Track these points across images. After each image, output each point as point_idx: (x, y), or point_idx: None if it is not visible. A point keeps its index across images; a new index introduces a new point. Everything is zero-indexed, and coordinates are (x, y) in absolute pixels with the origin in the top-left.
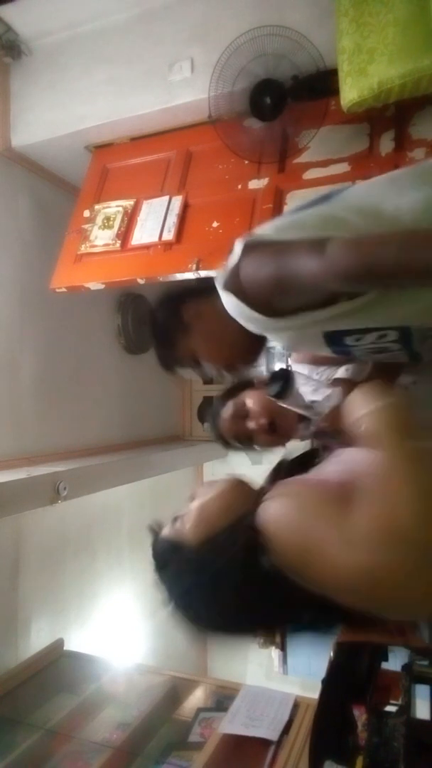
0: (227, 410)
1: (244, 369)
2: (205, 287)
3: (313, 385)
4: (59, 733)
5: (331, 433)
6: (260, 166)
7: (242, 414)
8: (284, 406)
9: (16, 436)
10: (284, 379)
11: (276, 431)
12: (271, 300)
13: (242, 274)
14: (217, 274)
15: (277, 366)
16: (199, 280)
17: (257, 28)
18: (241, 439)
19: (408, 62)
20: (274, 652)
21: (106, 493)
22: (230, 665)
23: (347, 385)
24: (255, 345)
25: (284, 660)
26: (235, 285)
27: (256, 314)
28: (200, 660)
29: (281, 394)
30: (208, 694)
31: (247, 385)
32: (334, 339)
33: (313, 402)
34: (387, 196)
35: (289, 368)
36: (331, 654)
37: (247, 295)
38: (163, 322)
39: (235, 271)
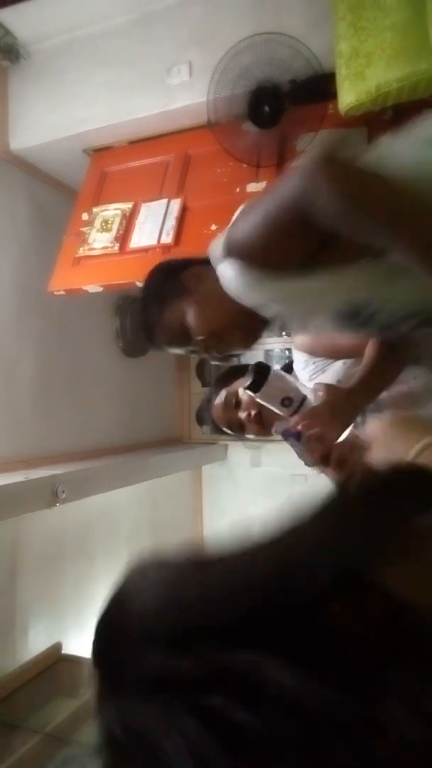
0: (220, 398)
1: (235, 351)
2: (208, 258)
3: (311, 370)
4: (57, 738)
5: (299, 436)
6: (258, 169)
7: (234, 403)
8: (258, 400)
9: (14, 439)
10: (259, 374)
11: (264, 422)
12: (269, 247)
13: (238, 230)
14: (212, 247)
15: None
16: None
17: (255, 35)
18: (233, 427)
19: (405, 66)
20: None
21: (104, 496)
22: None
23: (331, 390)
24: (252, 325)
25: None
26: (231, 244)
27: (256, 276)
28: None
29: (253, 388)
30: None
31: (240, 373)
32: (343, 315)
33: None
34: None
35: (271, 361)
36: None
37: (243, 249)
38: (158, 284)
39: (231, 231)
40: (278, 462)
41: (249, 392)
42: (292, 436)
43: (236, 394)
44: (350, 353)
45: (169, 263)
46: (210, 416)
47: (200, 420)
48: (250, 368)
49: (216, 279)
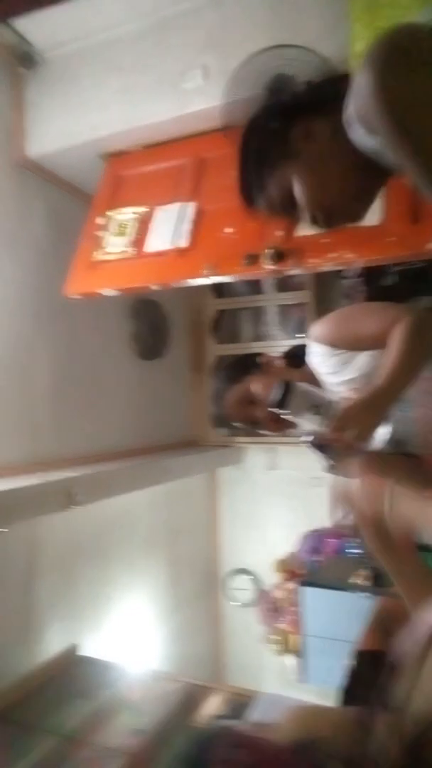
0: (233, 395)
1: (347, 221)
2: (324, 101)
3: (329, 367)
4: (74, 739)
5: (332, 447)
6: None
7: (249, 399)
8: (284, 416)
9: (31, 442)
10: (285, 390)
11: (282, 420)
12: None
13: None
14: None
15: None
16: (312, 91)
17: (271, 48)
18: (247, 423)
19: None
20: (291, 659)
21: (120, 499)
22: (246, 672)
23: (356, 395)
24: (370, 186)
25: (302, 667)
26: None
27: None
28: (216, 667)
29: (281, 405)
30: (223, 702)
31: (250, 367)
32: None
33: (322, 393)
34: None
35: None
36: (350, 662)
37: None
38: (261, 140)
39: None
40: (295, 465)
41: (277, 410)
42: (320, 448)
43: (249, 391)
44: (375, 342)
45: (277, 109)
46: (220, 410)
47: (217, 423)
48: (275, 386)
49: (334, 132)
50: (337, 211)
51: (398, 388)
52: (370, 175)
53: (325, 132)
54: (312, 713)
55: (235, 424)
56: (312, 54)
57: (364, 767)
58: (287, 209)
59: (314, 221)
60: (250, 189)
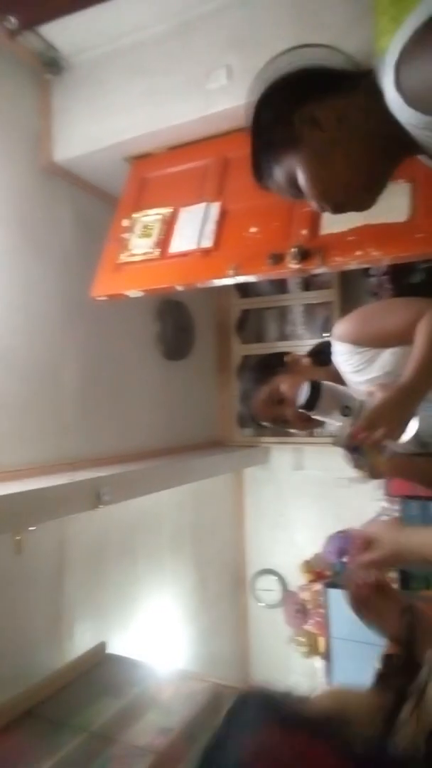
0: (261, 394)
1: (355, 210)
2: (337, 82)
3: (353, 365)
4: (102, 736)
5: (358, 448)
6: None
7: (277, 399)
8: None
9: (59, 442)
10: (313, 390)
11: (311, 419)
12: None
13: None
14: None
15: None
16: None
17: (295, 47)
18: (276, 422)
19: None
20: (319, 662)
21: (147, 498)
22: (273, 674)
23: (384, 391)
24: (380, 173)
25: (328, 670)
26: None
27: None
28: (243, 668)
29: (309, 406)
30: None
31: (276, 367)
32: None
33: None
34: None
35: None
36: (377, 665)
37: None
38: (266, 124)
39: None
40: (321, 465)
41: (306, 411)
42: (352, 450)
43: (278, 390)
44: (400, 337)
45: (281, 91)
46: (248, 410)
47: (242, 423)
48: (303, 386)
49: (343, 118)
50: (344, 202)
51: (425, 383)
52: (380, 161)
53: (331, 119)
54: (347, 692)
55: (263, 423)
56: (338, 53)
57: (385, 750)
58: (296, 195)
59: (321, 209)
60: (260, 171)
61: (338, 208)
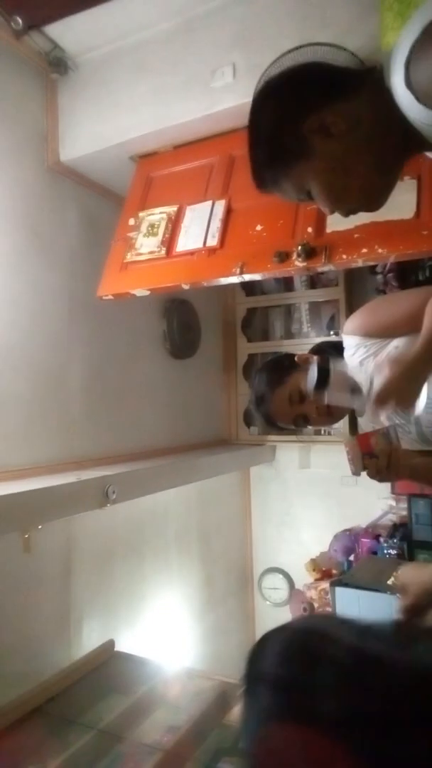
0: (281, 395)
1: (368, 211)
2: (342, 83)
3: (360, 356)
4: (111, 734)
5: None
6: None
7: (298, 398)
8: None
9: (66, 441)
10: (323, 369)
11: (333, 413)
12: None
13: None
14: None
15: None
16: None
17: (301, 46)
18: (297, 422)
19: None
20: None
21: (153, 497)
22: None
23: (393, 364)
24: (392, 173)
25: None
26: None
27: None
28: None
29: (321, 385)
30: None
31: (291, 366)
32: None
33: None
34: None
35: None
36: None
37: None
38: (273, 133)
39: None
40: (327, 463)
41: (316, 389)
42: (366, 455)
43: (298, 389)
44: (409, 323)
45: (285, 99)
46: (264, 415)
47: (248, 421)
48: (311, 367)
49: (352, 122)
50: (358, 206)
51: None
52: (391, 161)
53: (341, 126)
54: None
55: (281, 425)
56: (343, 51)
57: None
58: (303, 201)
59: (331, 213)
60: (262, 179)
61: (351, 212)
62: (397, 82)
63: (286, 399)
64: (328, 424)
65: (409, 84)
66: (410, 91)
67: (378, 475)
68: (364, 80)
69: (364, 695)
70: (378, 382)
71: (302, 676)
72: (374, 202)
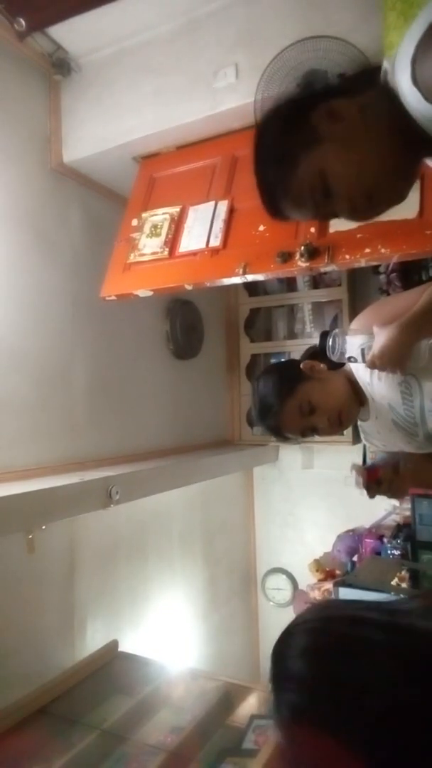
0: (291, 407)
1: (390, 202)
2: (348, 86)
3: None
4: (114, 734)
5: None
6: None
7: (308, 409)
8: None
9: (69, 442)
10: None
11: (343, 422)
12: None
13: None
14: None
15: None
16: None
17: (302, 40)
18: (305, 432)
19: None
20: None
21: (156, 498)
22: None
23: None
24: (409, 162)
25: None
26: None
27: None
28: (253, 666)
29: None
30: (261, 702)
31: (298, 377)
32: None
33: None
34: None
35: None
36: None
37: None
38: (277, 136)
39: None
40: (330, 464)
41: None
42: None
43: (309, 401)
44: None
45: (287, 106)
46: (272, 427)
47: (251, 422)
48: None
49: (362, 109)
50: (380, 191)
51: (424, 320)
52: (407, 150)
53: (351, 109)
54: None
55: (289, 435)
56: (344, 44)
57: None
58: (319, 205)
59: (353, 210)
60: (273, 194)
61: (373, 202)
62: (403, 80)
63: (297, 410)
64: (337, 433)
65: (415, 81)
66: (416, 88)
67: (383, 494)
68: (372, 77)
69: (409, 680)
70: (374, 346)
71: (335, 672)
72: (394, 186)
